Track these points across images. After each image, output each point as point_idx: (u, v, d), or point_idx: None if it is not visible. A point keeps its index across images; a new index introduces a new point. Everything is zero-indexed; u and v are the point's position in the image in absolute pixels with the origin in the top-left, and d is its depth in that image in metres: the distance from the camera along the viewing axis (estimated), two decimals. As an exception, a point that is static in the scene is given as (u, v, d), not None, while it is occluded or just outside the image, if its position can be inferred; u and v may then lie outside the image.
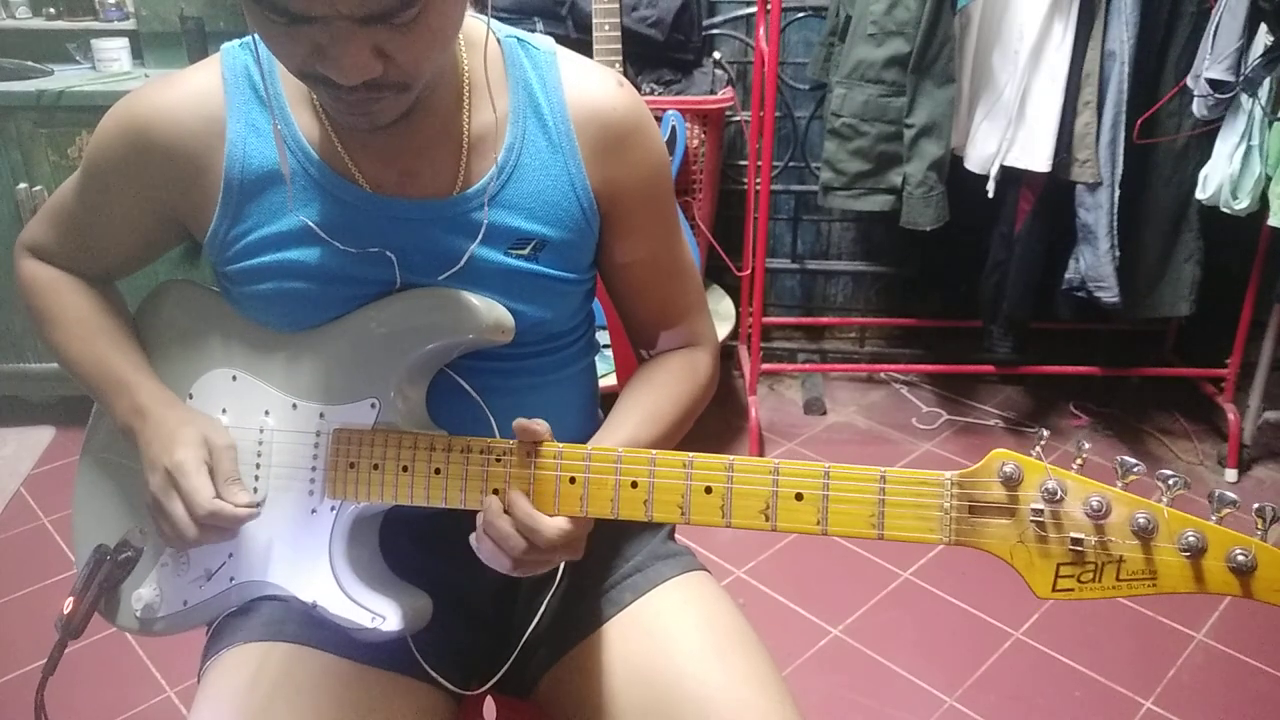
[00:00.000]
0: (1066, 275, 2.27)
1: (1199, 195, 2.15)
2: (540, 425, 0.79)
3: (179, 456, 0.84)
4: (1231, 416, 2.42)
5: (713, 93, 2.43)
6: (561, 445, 0.78)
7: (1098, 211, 2.17)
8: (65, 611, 0.93)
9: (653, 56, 2.47)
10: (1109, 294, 2.21)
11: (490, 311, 0.84)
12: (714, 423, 2.61)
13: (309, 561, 0.85)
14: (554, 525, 0.78)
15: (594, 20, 2.17)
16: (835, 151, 2.22)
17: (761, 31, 2.41)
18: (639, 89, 2.41)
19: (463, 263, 0.85)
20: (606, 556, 0.97)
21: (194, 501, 0.82)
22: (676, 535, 1.05)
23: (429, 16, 0.70)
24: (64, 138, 2.34)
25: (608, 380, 1.07)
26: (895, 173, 2.20)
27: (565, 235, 0.88)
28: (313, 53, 0.70)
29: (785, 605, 1.96)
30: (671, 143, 2.27)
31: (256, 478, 0.88)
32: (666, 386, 0.95)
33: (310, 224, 0.84)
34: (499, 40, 0.89)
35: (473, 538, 0.81)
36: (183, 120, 0.85)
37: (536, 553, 0.78)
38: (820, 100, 2.60)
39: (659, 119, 2.25)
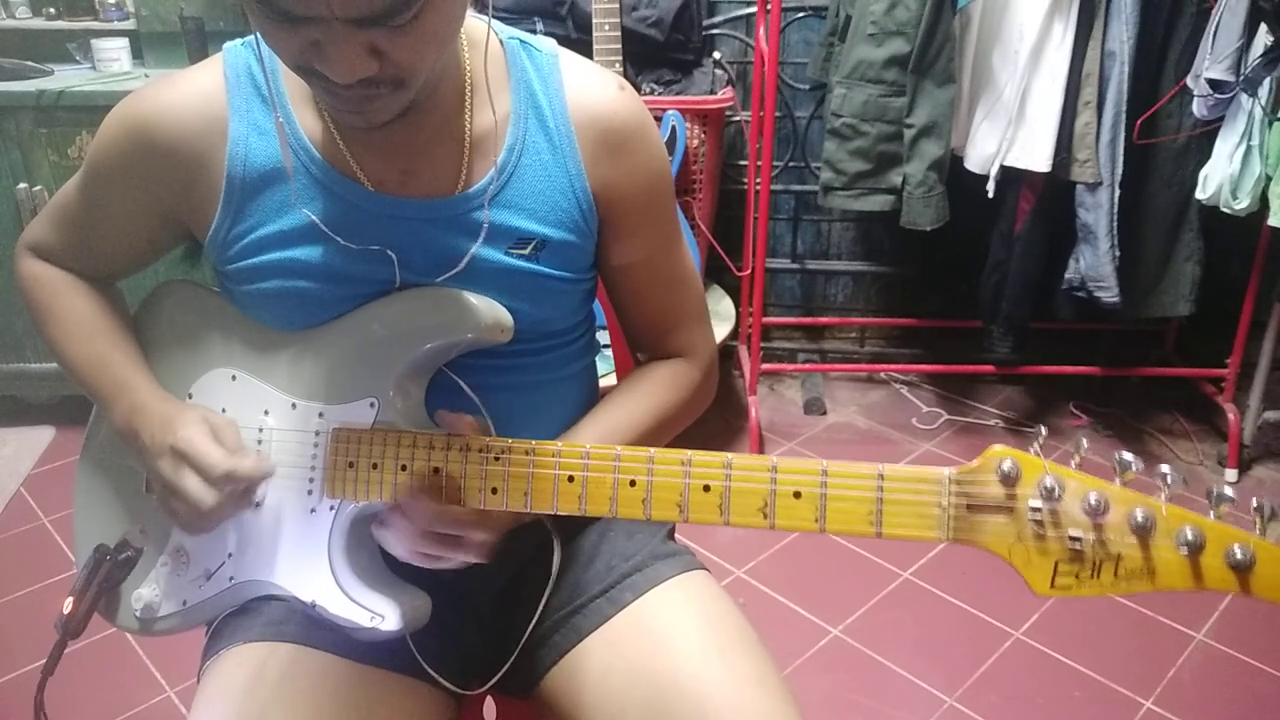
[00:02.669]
0: (1066, 275, 2.27)
1: (1199, 195, 2.15)
2: (463, 422, 0.80)
3: (183, 433, 0.83)
4: (1231, 416, 2.42)
5: (713, 93, 2.43)
6: (560, 443, 0.78)
7: (1098, 211, 2.17)
8: (65, 611, 0.93)
9: (653, 56, 2.47)
10: (1109, 294, 2.21)
11: (490, 311, 0.84)
12: (714, 423, 2.61)
13: (308, 561, 0.85)
14: (462, 511, 0.79)
15: (594, 20, 2.17)
16: (835, 151, 2.22)
17: (761, 31, 2.41)
18: (639, 89, 2.41)
19: (464, 263, 0.85)
20: (606, 556, 0.97)
21: (207, 465, 0.81)
22: (676, 535, 1.05)
23: (426, 18, 0.70)
24: (64, 138, 2.35)
25: (608, 380, 1.07)
26: (895, 173, 2.20)
27: (565, 236, 0.88)
28: (309, 48, 0.70)
29: (785, 605, 1.96)
30: (671, 143, 2.27)
31: (256, 477, 0.89)
32: (647, 396, 0.96)
33: (314, 219, 0.84)
34: (501, 41, 0.89)
35: (373, 526, 0.82)
36: (185, 120, 0.85)
37: (435, 545, 0.79)
38: (820, 100, 2.60)
39: (659, 119, 2.25)
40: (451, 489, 0.80)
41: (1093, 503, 0.63)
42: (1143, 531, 0.62)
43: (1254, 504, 0.60)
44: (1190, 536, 0.61)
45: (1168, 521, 0.62)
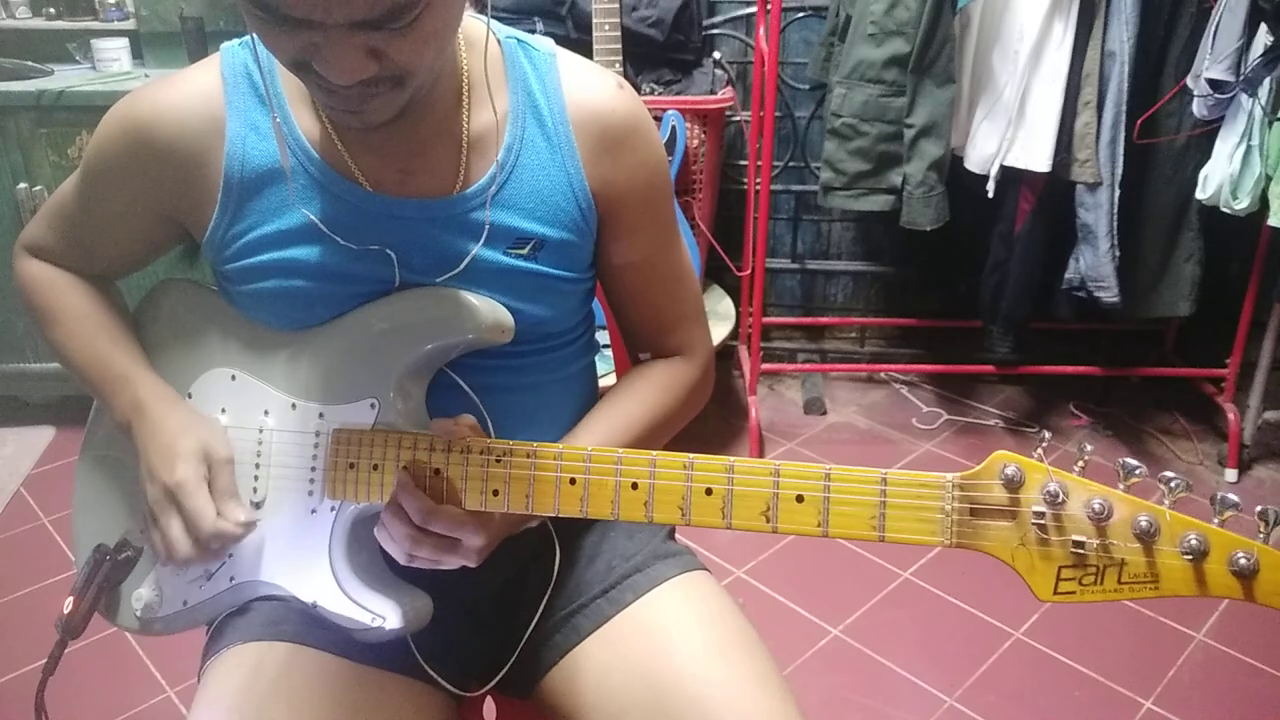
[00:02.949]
0: (1066, 275, 2.27)
1: (1199, 195, 2.15)
2: (460, 427, 0.80)
3: (179, 475, 0.84)
4: (1231, 416, 2.42)
5: (713, 93, 2.43)
6: (561, 445, 0.78)
7: (1098, 211, 2.17)
8: (65, 611, 0.92)
9: (653, 56, 2.47)
10: (1109, 294, 2.21)
11: (490, 311, 0.84)
12: (714, 423, 2.61)
13: (309, 561, 0.85)
14: (458, 511, 0.79)
15: (594, 20, 2.17)
16: (835, 151, 2.22)
17: (761, 31, 2.41)
18: (639, 89, 2.41)
19: (464, 263, 0.85)
20: (607, 556, 0.97)
21: (196, 524, 0.82)
22: (676, 535, 1.05)
23: (425, 20, 0.70)
24: (64, 138, 2.34)
25: (607, 380, 1.07)
26: (895, 173, 2.20)
27: (563, 235, 0.88)
28: (306, 48, 0.70)
29: (785, 605, 1.96)
30: (671, 143, 2.27)
31: (256, 478, 0.88)
32: (646, 397, 0.96)
33: (313, 219, 0.84)
34: (499, 41, 0.89)
35: (376, 529, 0.82)
36: (183, 120, 0.85)
37: (431, 547, 0.79)
38: (820, 100, 2.59)
39: (659, 119, 2.25)
40: (452, 490, 0.80)
41: (1096, 508, 0.63)
42: (1147, 537, 0.62)
43: (1258, 510, 0.60)
44: (1194, 543, 0.61)
45: (1171, 527, 0.62)
